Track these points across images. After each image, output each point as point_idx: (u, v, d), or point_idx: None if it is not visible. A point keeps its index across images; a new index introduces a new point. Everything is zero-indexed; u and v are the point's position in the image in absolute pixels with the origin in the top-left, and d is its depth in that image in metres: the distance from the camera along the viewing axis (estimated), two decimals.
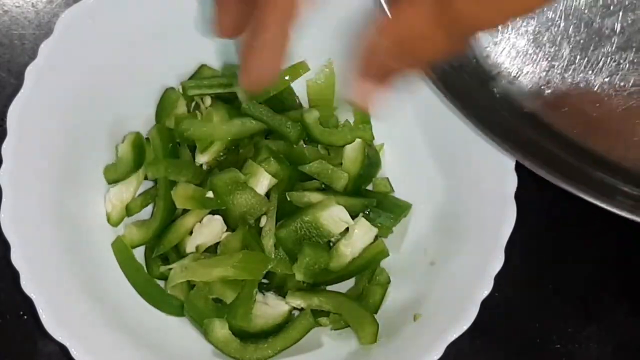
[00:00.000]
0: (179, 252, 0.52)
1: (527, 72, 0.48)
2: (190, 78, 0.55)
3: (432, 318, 0.47)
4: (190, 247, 0.51)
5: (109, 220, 0.52)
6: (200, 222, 0.51)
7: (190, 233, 0.51)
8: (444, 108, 0.50)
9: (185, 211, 0.52)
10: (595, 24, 0.46)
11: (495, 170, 0.48)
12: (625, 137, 0.48)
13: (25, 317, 0.54)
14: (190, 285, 0.51)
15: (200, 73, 0.55)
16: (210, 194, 0.51)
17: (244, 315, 0.50)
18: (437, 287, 0.49)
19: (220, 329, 0.49)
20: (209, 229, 0.51)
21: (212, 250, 0.52)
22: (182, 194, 0.51)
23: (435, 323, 0.47)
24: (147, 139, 0.53)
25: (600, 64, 0.47)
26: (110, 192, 0.52)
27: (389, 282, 0.52)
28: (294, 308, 0.51)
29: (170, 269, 0.50)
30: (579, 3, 0.47)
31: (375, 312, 0.51)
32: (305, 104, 0.56)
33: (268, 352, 0.49)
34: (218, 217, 0.51)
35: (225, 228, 0.51)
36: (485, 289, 0.46)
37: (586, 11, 0.46)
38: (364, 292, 0.52)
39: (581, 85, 0.47)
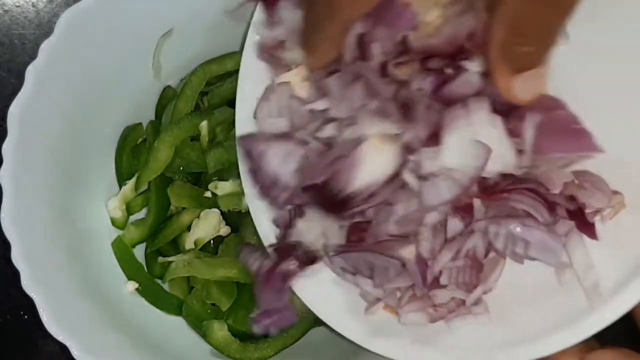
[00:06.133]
0: (177, 249, 0.52)
1: None
2: None
3: None
4: (189, 242, 0.51)
5: (114, 223, 0.52)
6: (197, 217, 0.51)
7: (189, 230, 0.51)
8: None
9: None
10: None
11: None
12: None
13: (26, 316, 0.54)
14: (189, 287, 0.51)
15: None
16: (208, 194, 0.51)
17: (244, 319, 0.50)
18: None
19: (220, 330, 0.49)
20: (206, 223, 0.51)
21: (208, 249, 0.52)
22: (178, 192, 0.51)
23: None
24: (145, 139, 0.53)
25: None
26: (116, 196, 0.52)
27: None
28: None
29: (170, 262, 0.50)
30: None
31: None
32: None
33: (268, 351, 0.49)
34: (215, 211, 0.51)
35: (224, 222, 0.51)
36: None
37: None
38: None
39: None
